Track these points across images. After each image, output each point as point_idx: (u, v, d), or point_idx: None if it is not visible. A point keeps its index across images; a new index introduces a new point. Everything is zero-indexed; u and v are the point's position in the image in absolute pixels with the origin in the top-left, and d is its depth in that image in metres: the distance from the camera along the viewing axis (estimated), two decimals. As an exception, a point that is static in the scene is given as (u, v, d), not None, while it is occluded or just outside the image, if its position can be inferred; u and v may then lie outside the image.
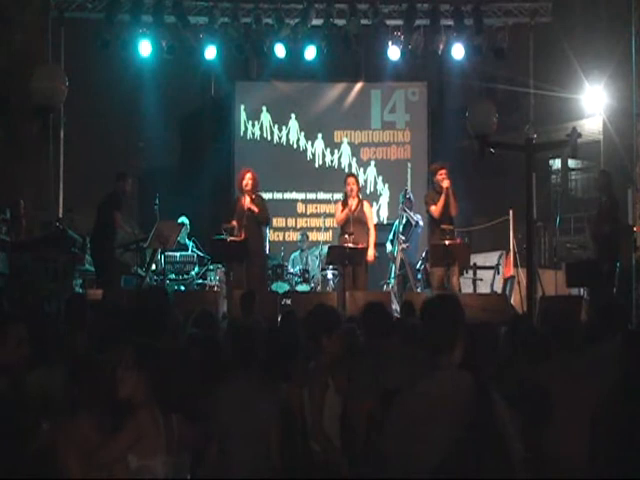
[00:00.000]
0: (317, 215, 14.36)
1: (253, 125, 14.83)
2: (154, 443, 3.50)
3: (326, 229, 13.29)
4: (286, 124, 14.81)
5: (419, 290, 10.87)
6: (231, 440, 4.03)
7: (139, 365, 3.55)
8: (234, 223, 10.06)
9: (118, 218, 10.28)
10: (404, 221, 11.50)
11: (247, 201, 10.12)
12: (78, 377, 3.65)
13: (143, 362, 3.57)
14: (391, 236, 11.61)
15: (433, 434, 3.13)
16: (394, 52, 13.09)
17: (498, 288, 11.04)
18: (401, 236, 11.33)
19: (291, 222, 14.67)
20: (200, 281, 11.71)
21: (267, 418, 4.07)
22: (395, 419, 3.31)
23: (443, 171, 10.18)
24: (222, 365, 4.35)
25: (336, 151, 14.79)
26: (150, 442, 3.49)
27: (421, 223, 11.60)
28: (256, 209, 10.13)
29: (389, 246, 11.63)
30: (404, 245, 11.29)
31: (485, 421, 3.08)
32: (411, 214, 11.52)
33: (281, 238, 14.41)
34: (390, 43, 13.03)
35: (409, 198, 11.81)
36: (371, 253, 10.19)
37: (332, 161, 14.79)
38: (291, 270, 12.41)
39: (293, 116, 14.78)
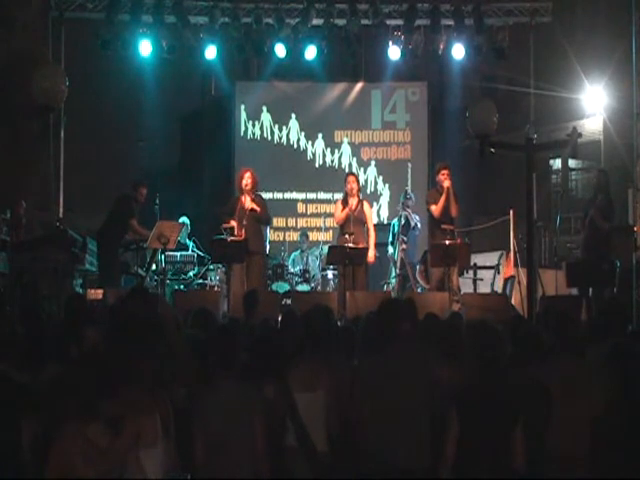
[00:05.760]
0: (317, 215, 14.36)
1: (253, 125, 14.82)
2: (153, 432, 3.63)
3: (326, 229, 13.29)
4: (286, 124, 14.80)
5: (419, 290, 10.86)
6: (216, 441, 4.03)
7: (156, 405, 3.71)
8: (232, 223, 10.06)
9: (135, 225, 10.42)
10: (403, 221, 11.47)
11: (248, 201, 10.13)
12: (82, 377, 3.65)
13: (159, 402, 3.73)
14: (391, 238, 11.59)
15: None
16: (394, 52, 13.09)
17: (498, 288, 11.03)
18: (402, 236, 11.32)
19: (291, 222, 14.66)
20: (200, 281, 11.70)
21: (251, 420, 4.04)
22: None
23: (445, 171, 10.16)
24: (208, 366, 4.35)
25: (336, 151, 14.78)
26: (150, 431, 3.62)
27: (419, 225, 11.57)
28: (258, 208, 10.13)
29: (390, 249, 11.59)
30: (405, 245, 11.28)
31: None
32: (410, 214, 11.50)
33: (281, 238, 14.39)
34: (390, 43, 13.03)
35: (409, 198, 11.77)
36: (371, 254, 10.17)
37: (332, 161, 14.78)
38: (291, 270, 12.41)
39: (293, 116, 14.77)
